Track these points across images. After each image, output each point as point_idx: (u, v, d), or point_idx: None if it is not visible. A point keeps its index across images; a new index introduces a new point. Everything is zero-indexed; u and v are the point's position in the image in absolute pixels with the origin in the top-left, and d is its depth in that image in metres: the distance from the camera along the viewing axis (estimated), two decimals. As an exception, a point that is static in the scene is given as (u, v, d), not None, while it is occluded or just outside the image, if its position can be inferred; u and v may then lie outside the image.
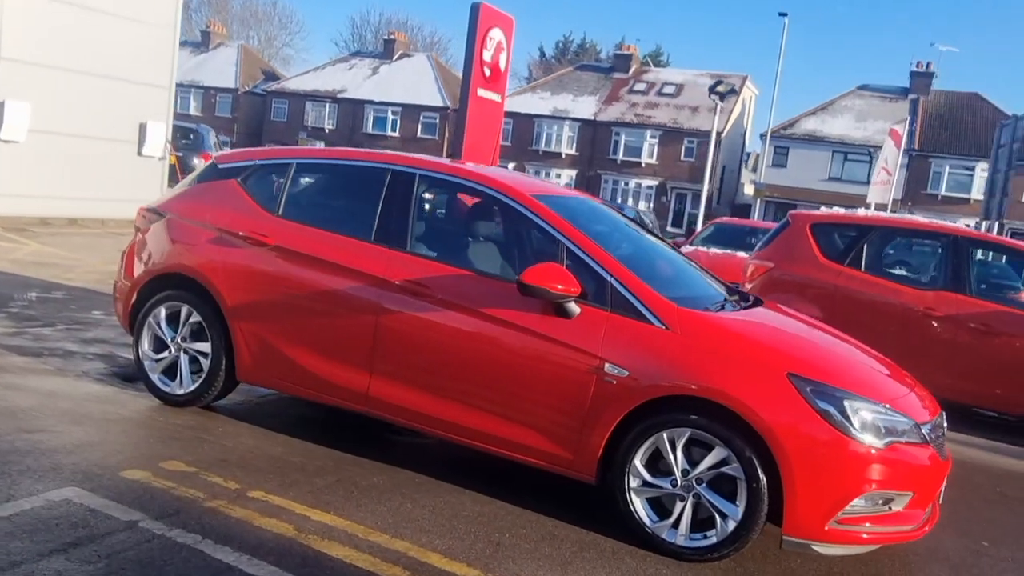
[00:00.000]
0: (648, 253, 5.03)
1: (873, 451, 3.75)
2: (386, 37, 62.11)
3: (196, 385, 5.06)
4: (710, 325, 4.15)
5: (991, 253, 8.32)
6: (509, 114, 44.42)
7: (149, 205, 5.47)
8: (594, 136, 50.35)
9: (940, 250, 7.91)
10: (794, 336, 4.44)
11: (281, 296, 4.78)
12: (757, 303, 4.85)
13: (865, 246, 8.09)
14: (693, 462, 3.91)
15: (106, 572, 3.07)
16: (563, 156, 50.77)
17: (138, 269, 5.25)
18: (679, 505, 3.94)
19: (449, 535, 3.85)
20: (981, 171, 41.59)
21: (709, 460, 3.87)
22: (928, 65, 45.98)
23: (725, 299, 4.68)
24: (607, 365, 4.00)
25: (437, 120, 55.17)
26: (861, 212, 9.30)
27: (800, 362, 3.97)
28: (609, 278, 4.16)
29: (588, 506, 4.42)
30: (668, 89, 51.10)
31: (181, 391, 5.10)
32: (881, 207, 23.24)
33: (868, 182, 44.86)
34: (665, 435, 3.93)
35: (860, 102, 46.66)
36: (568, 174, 50.51)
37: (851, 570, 4.04)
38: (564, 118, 50.82)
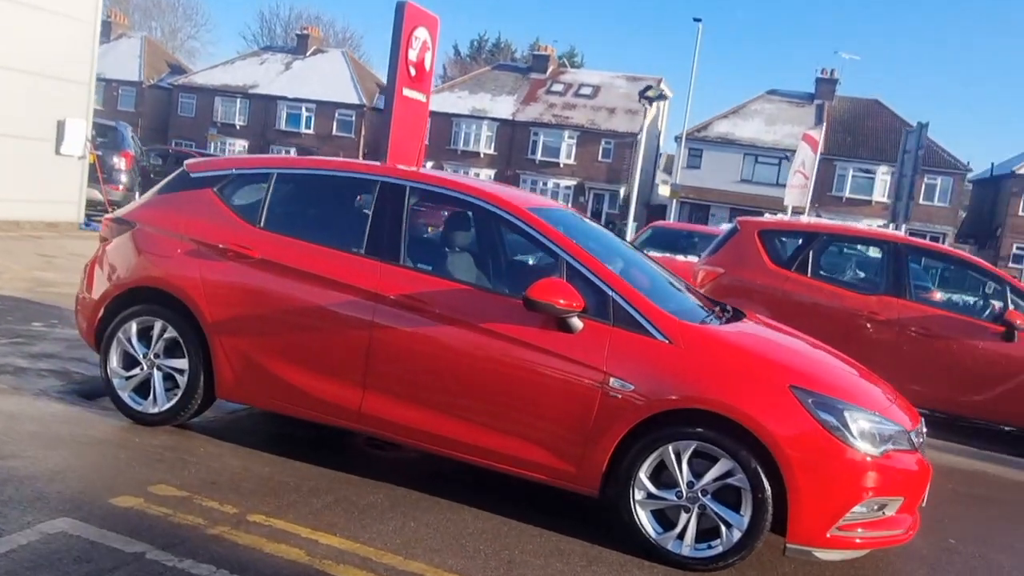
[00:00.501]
0: (638, 266, 5.08)
1: (870, 459, 3.89)
2: (299, 32, 60.93)
3: (172, 403, 4.86)
4: (710, 338, 4.23)
5: (929, 260, 8.74)
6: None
7: (116, 214, 5.23)
8: (512, 136, 50.56)
9: (882, 256, 8.26)
10: (788, 349, 4.56)
11: (267, 311, 4.64)
12: (739, 315, 4.95)
13: (811, 252, 8.38)
14: (697, 474, 3.97)
15: (126, 610, 2.93)
16: (481, 155, 50.82)
17: (105, 282, 5.01)
18: (684, 516, 4.00)
19: (459, 554, 3.81)
20: (882, 174, 43.69)
21: (714, 472, 3.94)
22: (832, 72, 47.91)
23: (712, 311, 4.77)
24: (612, 379, 4.03)
25: (353, 118, 54.48)
26: (805, 219, 9.62)
27: (800, 375, 4.09)
28: (611, 292, 4.19)
29: (587, 518, 4.44)
30: (585, 90, 51.73)
31: (155, 409, 4.89)
32: (798, 210, 24.09)
33: (778, 184, 46.63)
34: (671, 448, 3.98)
35: (769, 106, 48.21)
36: (487, 174, 50.51)
37: (836, 570, 4.18)
38: (483, 118, 50.86)
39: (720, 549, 3.95)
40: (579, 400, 4.09)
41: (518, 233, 4.57)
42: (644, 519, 4.05)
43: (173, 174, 5.29)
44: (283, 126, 54.74)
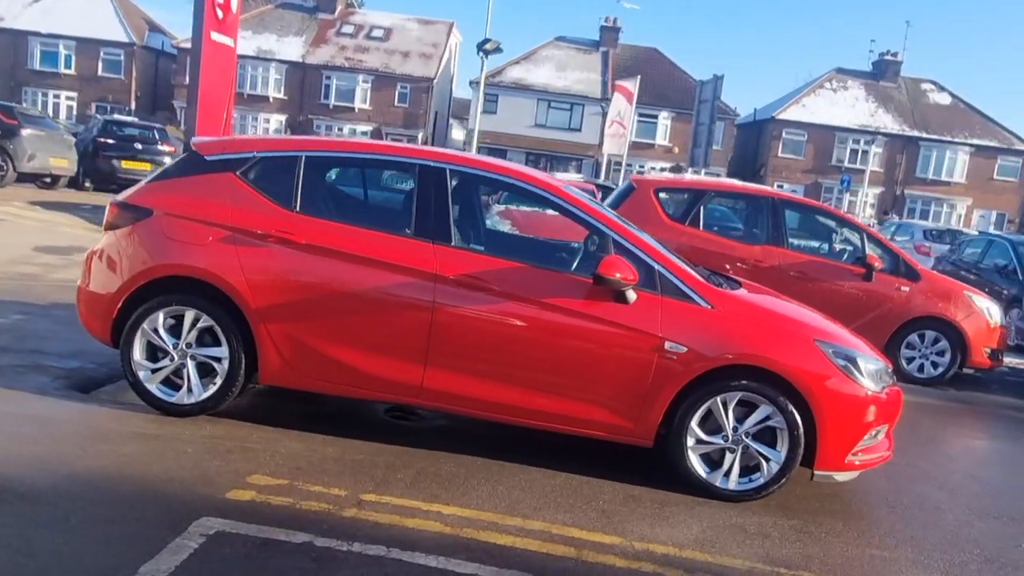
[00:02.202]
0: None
1: (872, 395, 4.72)
2: (49, -41, 54.54)
3: (211, 392, 4.81)
4: (742, 303, 4.86)
5: (800, 212, 9.96)
6: (213, 54, 41.57)
7: (123, 200, 4.97)
8: (304, 79, 48.80)
9: (762, 210, 9.33)
10: (797, 309, 5.28)
11: (318, 295, 4.70)
12: (738, 282, 5.54)
13: (701, 208, 9.29)
14: (739, 419, 4.63)
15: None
16: (271, 100, 48.67)
17: (123, 273, 4.79)
18: (729, 457, 4.66)
19: (559, 509, 4.24)
20: (663, 119, 46.86)
21: (755, 416, 4.61)
22: (615, 20, 50.22)
23: (721, 278, 5.38)
24: (667, 343, 4.57)
25: (122, 57, 50.12)
26: (689, 176, 10.53)
27: (818, 330, 4.83)
28: (657, 265, 4.70)
29: (631, 466, 4.97)
30: (377, 33, 50.75)
31: (191, 400, 4.82)
32: (616, 156, 25.55)
33: (570, 128, 48.61)
34: (719, 399, 4.60)
35: (559, 52, 49.83)
36: (277, 119, 48.65)
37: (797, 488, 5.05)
38: (270, 60, 48.56)
39: (761, 481, 4.65)
40: (638, 363, 4.59)
41: (563, 213, 4.92)
42: (695, 462, 4.67)
43: (182, 156, 5.10)
44: (37, 65, 49.34)
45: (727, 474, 4.67)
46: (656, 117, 47.02)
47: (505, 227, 10.34)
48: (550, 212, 6.84)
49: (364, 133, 48.66)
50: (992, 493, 5.65)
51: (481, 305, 4.63)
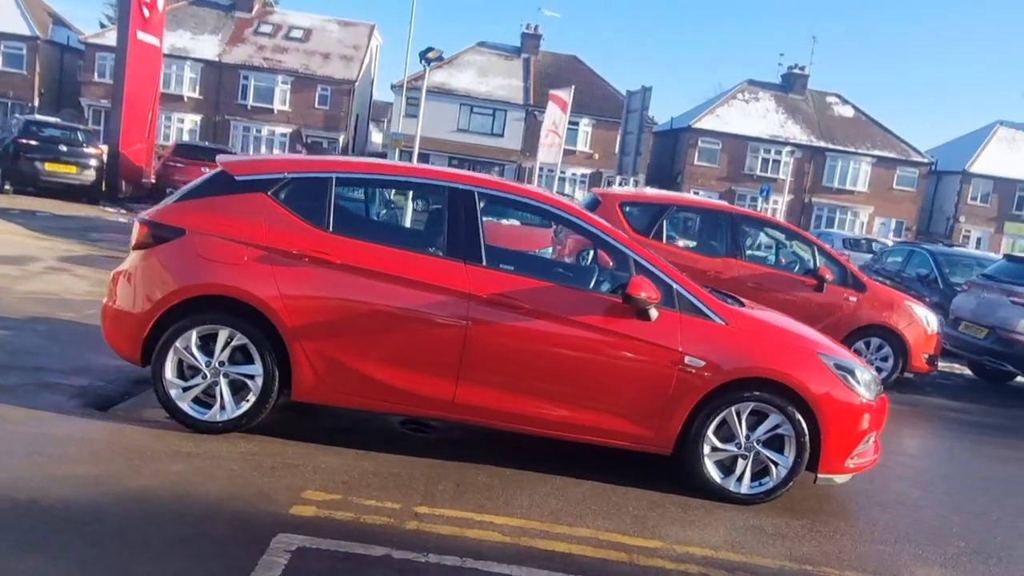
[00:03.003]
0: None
1: (867, 403, 5.15)
2: (-56, -54, 51.75)
3: (245, 409, 4.88)
4: (751, 320, 5.22)
5: (756, 227, 10.49)
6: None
7: (152, 219, 4.98)
8: (220, 79, 47.69)
9: (721, 224, 9.81)
10: (797, 324, 5.67)
11: (354, 314, 4.83)
12: (738, 300, 5.88)
13: (664, 222, 9.72)
14: (751, 427, 4.99)
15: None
16: (185, 99, 47.39)
17: (155, 292, 4.82)
18: (741, 463, 5.01)
19: (600, 516, 4.51)
20: (584, 126, 47.69)
21: (766, 425, 4.98)
22: (536, 28, 50.85)
23: (725, 296, 5.72)
24: (687, 358, 4.89)
25: (24, 51, 48.01)
26: (650, 191, 10.94)
27: (819, 344, 5.24)
28: (674, 284, 5.01)
29: (646, 471, 5.27)
30: (296, 33, 50.02)
31: (223, 417, 4.88)
32: (550, 165, 25.97)
33: (492, 134, 48.92)
34: (733, 409, 4.95)
35: (481, 58, 50.12)
36: (192, 119, 47.45)
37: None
38: (184, 58, 47.27)
39: (771, 484, 5.02)
40: (659, 377, 4.89)
41: (585, 235, 5.20)
42: (711, 468, 5.00)
43: (210, 175, 5.15)
44: (-71, 58, 46.85)
45: (740, 479, 5.02)
46: (577, 124, 47.70)
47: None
48: (505, 223, 7.09)
49: (284, 135, 47.93)
50: (959, 489, 6.17)
51: (512, 323, 4.85)
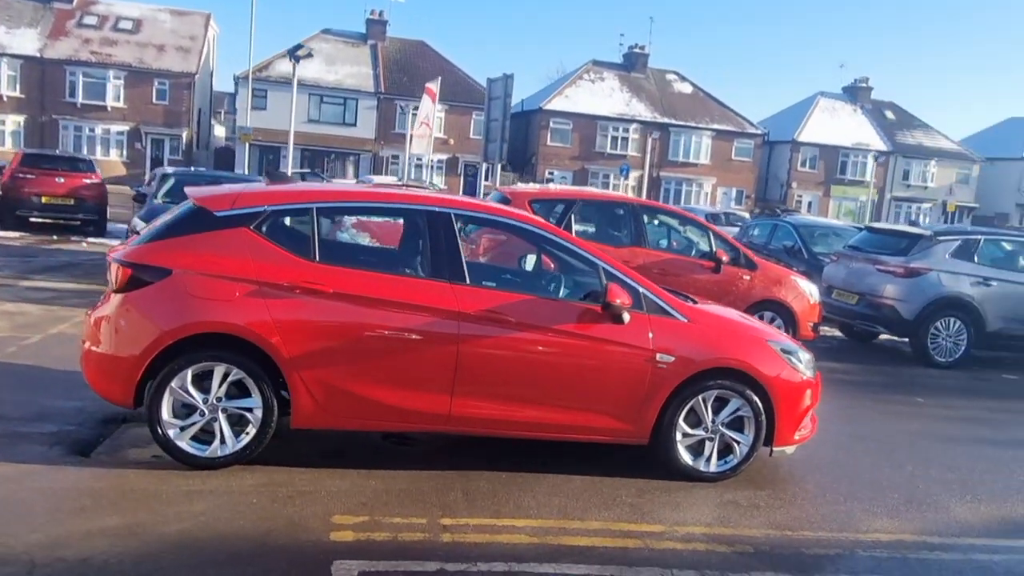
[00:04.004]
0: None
1: (808, 380, 5.80)
2: None
3: (246, 442, 4.95)
4: (708, 315, 5.75)
5: (657, 216, 11.13)
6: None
7: (135, 261, 4.91)
8: (43, 76, 44.55)
9: (624, 215, 10.41)
10: (745, 316, 6.23)
11: (350, 340, 4.99)
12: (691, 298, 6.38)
13: (572, 216, 10.20)
14: (715, 412, 5.53)
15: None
16: (5, 99, 44.00)
17: (148, 333, 4.79)
18: (708, 445, 5.55)
19: (602, 508, 4.93)
20: (438, 112, 47.51)
21: (728, 409, 5.54)
22: (381, 13, 50.34)
23: (679, 295, 6.21)
24: (658, 355, 5.36)
25: None
26: (554, 187, 11.37)
27: (766, 332, 5.85)
28: (640, 289, 5.46)
29: (615, 461, 5.71)
30: (125, 24, 47.32)
31: (224, 452, 4.93)
32: (421, 155, 26.02)
33: (344, 123, 48.17)
34: (700, 398, 5.47)
35: (327, 46, 49.11)
36: (15, 120, 44.20)
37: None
38: (1, 54, 43.80)
39: (735, 462, 5.59)
40: (636, 375, 5.35)
41: (556, 248, 5.55)
42: (683, 453, 5.52)
43: (184, 212, 5.13)
44: None
45: (708, 460, 5.56)
46: (430, 110, 47.72)
47: (365, 239, 10.67)
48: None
49: (120, 133, 45.42)
50: (872, 447, 6.97)
51: (500, 336, 5.16)
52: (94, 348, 4.97)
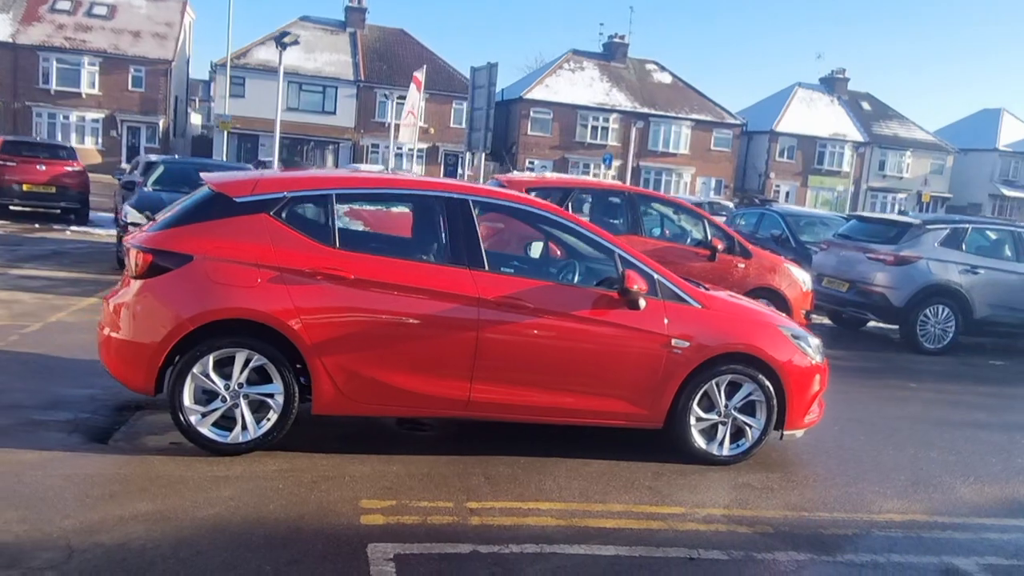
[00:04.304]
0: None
1: (817, 365, 5.90)
2: None
3: (268, 428, 4.97)
4: (721, 302, 5.82)
5: (653, 204, 11.19)
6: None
7: (156, 247, 4.89)
8: (16, 62, 43.82)
9: (621, 203, 10.47)
10: (754, 302, 6.31)
11: (371, 326, 5.01)
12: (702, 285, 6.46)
13: (569, 205, 10.24)
14: (728, 396, 5.62)
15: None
16: (-24, 86, 43.23)
17: (170, 319, 4.78)
18: (721, 429, 5.64)
19: (621, 491, 5.00)
20: (421, 101, 47.40)
21: (741, 393, 5.62)
22: (360, 0, 49.93)
23: (694, 282, 6.28)
24: (673, 340, 5.43)
25: None
26: (550, 176, 11.40)
27: (778, 319, 5.93)
28: (655, 275, 5.52)
29: (630, 444, 5.78)
30: (99, 10, 46.61)
31: (247, 438, 4.94)
32: (408, 145, 25.90)
33: (324, 111, 47.82)
34: (714, 382, 5.55)
35: (305, 33, 48.53)
36: (-13, 107, 43.38)
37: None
38: (-28, 40, 43.05)
39: (747, 445, 5.68)
40: (652, 360, 5.41)
41: (573, 235, 5.60)
42: (697, 437, 5.60)
43: (203, 198, 5.11)
44: None
45: (721, 443, 5.65)
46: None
47: (359, 226, 10.66)
48: (396, 210, 7.45)
49: (96, 121, 44.82)
50: (873, 431, 7.10)
51: (519, 322, 5.20)
52: (114, 334, 4.96)
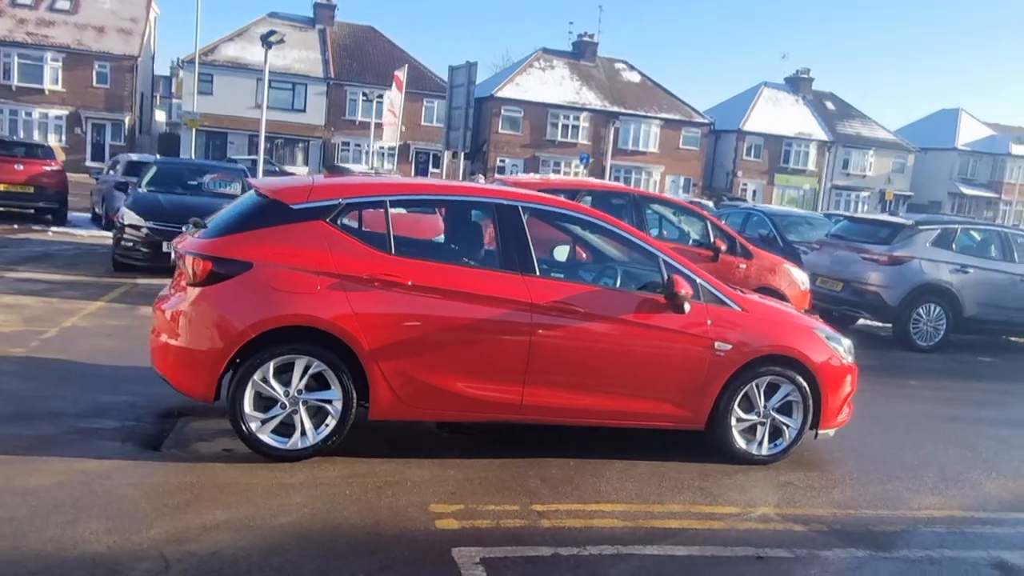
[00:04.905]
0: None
1: (849, 365, 6.08)
2: None
3: (326, 433, 5.00)
4: (760, 305, 5.96)
5: (656, 206, 11.33)
6: None
7: (216, 254, 4.89)
8: (-25, 57, 42.79)
9: (626, 205, 10.59)
10: (787, 305, 6.46)
11: (427, 332, 5.06)
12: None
13: (575, 206, 10.34)
14: (767, 397, 5.76)
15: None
16: (-66, 81, 42.17)
17: (232, 326, 4.78)
18: (760, 430, 5.78)
19: (675, 491, 5.12)
20: (390, 95, 47.27)
21: (780, 394, 5.77)
22: (328, -3, 49.58)
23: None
24: (716, 343, 5.56)
25: None
26: (554, 178, 11.49)
27: (812, 321, 6.09)
28: (698, 280, 5.65)
29: (668, 445, 5.90)
30: (62, 4, 45.64)
31: (305, 444, 4.97)
32: (390, 144, 25.83)
33: (293, 109, 47.39)
34: (754, 383, 5.70)
35: (274, 29, 48.14)
36: (-55, 102, 42.33)
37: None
38: (-71, 34, 41.97)
39: (784, 445, 5.84)
40: (696, 363, 5.54)
41: (620, 240, 5.71)
42: (738, 437, 5.74)
43: (256, 204, 5.13)
44: None
45: (760, 444, 5.79)
46: (382, 96, 47.29)
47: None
48: (428, 214, 7.52)
49: (59, 118, 43.93)
50: (890, 428, 7.30)
51: (570, 326, 5.29)
52: (172, 341, 4.95)
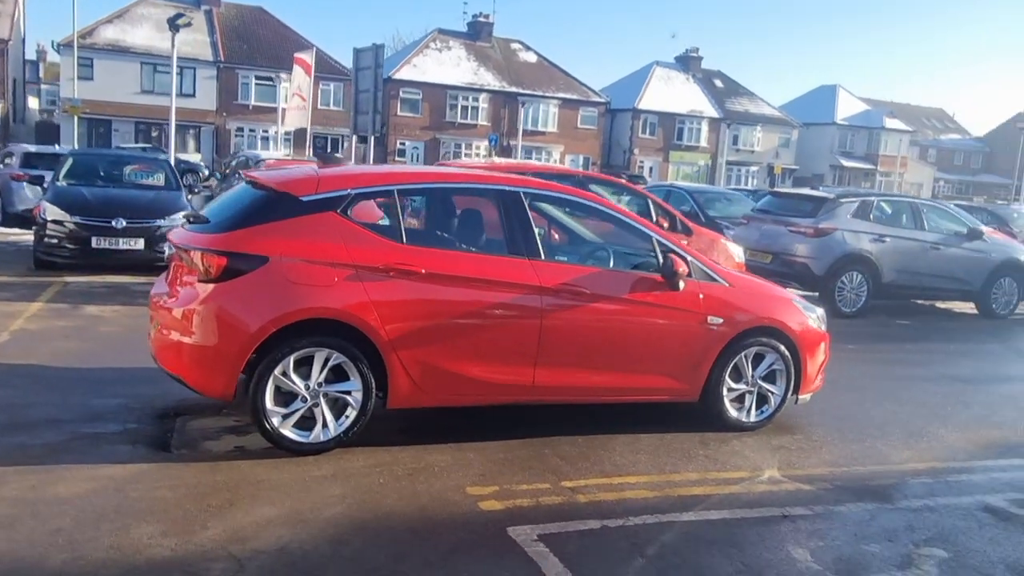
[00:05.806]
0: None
1: (824, 334, 6.47)
2: None
3: (347, 424, 5.00)
4: (744, 280, 6.27)
5: (601, 185, 11.54)
6: None
7: (228, 249, 4.78)
8: None
9: (572, 185, 10.78)
10: (764, 279, 6.78)
11: (442, 319, 5.12)
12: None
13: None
14: (754, 367, 6.08)
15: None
16: None
17: (251, 322, 4.71)
18: (748, 398, 6.10)
19: (684, 460, 5.38)
20: (284, 81, 46.02)
21: (765, 363, 6.10)
22: (214, -23, 47.78)
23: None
24: (709, 318, 5.83)
25: None
26: (499, 160, 11.54)
27: (789, 293, 6.43)
28: (689, 258, 5.89)
29: (663, 416, 6.15)
30: (-81, -16, 42.42)
31: (328, 436, 4.96)
32: (299, 129, 25.20)
33: (182, 94, 45.51)
34: (743, 354, 6.00)
35: (156, 11, 46.01)
36: None
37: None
38: None
39: (770, 411, 6.18)
40: (692, 337, 5.79)
41: (614, 222, 5.87)
42: (728, 406, 6.03)
43: (265, 197, 5.05)
44: None
45: (748, 411, 6.11)
46: (275, 79, 46.06)
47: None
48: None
49: (-78, 106, 40.87)
50: (863, 391, 7.77)
51: (577, 307, 5.45)
52: (186, 340, 4.83)
